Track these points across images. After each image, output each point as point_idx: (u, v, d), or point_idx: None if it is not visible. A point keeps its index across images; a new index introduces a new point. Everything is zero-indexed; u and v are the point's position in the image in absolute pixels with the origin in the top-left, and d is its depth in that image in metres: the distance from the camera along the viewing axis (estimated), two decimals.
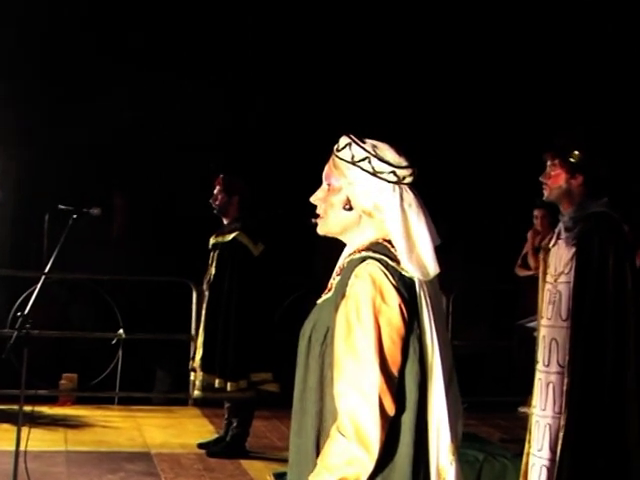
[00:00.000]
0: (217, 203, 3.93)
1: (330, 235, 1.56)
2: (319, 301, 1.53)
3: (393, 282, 1.43)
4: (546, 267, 2.46)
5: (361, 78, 5.00)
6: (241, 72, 4.91)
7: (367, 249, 1.49)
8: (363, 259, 1.47)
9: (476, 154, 5.59)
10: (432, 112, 5.40)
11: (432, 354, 1.45)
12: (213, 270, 3.91)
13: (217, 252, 3.91)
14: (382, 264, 1.45)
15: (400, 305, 1.42)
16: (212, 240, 3.98)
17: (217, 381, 3.77)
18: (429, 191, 1.56)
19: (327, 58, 5.00)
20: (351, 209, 1.52)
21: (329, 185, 1.55)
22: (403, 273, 1.46)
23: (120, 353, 4.83)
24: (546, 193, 2.44)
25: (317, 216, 1.57)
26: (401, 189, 1.50)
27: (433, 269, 1.48)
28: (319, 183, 1.57)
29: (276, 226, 4.87)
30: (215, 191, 3.95)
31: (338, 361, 1.41)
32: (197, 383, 3.85)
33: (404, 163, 1.51)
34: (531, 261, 4.90)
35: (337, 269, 1.54)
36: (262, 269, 3.88)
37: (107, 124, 4.70)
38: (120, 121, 4.78)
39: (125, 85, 4.75)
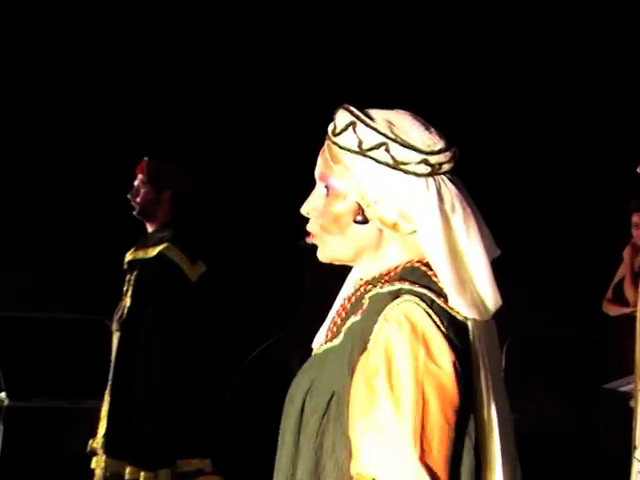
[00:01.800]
0: (138, 200, 3.65)
1: (337, 262, 1.48)
2: (318, 350, 1.44)
3: (443, 329, 1.35)
4: None
5: (366, 79, 5.30)
6: (241, 72, 5.32)
7: (401, 278, 1.41)
8: (396, 294, 1.38)
9: (536, 139, 5.49)
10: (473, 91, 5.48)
11: (490, 435, 1.37)
12: (128, 301, 3.64)
13: (135, 274, 3.64)
14: (426, 302, 1.37)
15: (454, 364, 1.33)
16: (128, 256, 3.74)
17: (127, 469, 3.52)
18: (475, 196, 1.44)
19: (330, 55, 5.29)
20: (366, 221, 1.43)
21: (328, 188, 1.46)
22: (453, 314, 1.38)
23: (1, 427, 4.61)
24: None
25: (307, 234, 1.48)
26: (437, 183, 1.40)
27: (494, 302, 1.41)
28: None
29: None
30: (136, 182, 3.67)
31: (357, 448, 1.31)
32: (98, 472, 3.60)
33: (439, 144, 1.42)
34: (629, 292, 4.47)
35: (343, 303, 1.47)
36: (203, 300, 3.65)
37: None
38: None
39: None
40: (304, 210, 1.49)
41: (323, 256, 1.49)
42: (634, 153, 2.33)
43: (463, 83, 5.46)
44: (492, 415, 1.38)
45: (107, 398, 3.63)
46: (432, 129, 1.44)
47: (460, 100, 5.30)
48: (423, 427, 1.29)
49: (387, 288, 1.40)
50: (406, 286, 1.38)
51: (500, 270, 1.46)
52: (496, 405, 1.39)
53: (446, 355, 1.33)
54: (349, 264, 1.51)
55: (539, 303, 5.16)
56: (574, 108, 5.49)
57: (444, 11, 5.43)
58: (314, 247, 1.49)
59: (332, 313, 1.51)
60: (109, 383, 3.66)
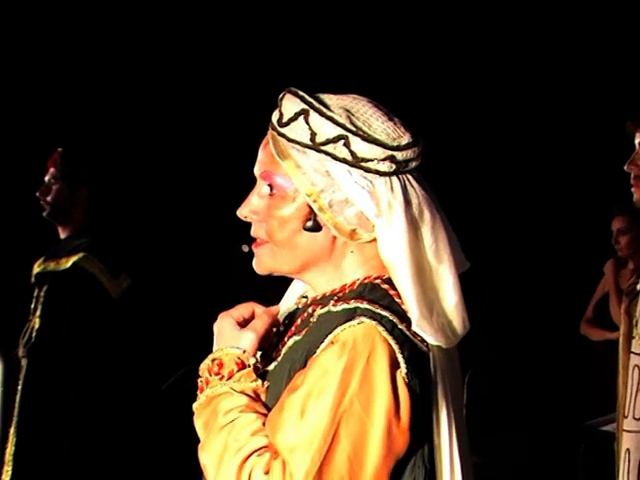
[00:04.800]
0: (49, 199, 3.68)
1: (278, 274, 1.51)
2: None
3: (405, 367, 1.37)
4: (631, 326, 2.40)
5: (367, 76, 5.59)
6: (242, 72, 5.62)
7: (357, 297, 1.43)
8: (350, 314, 1.40)
9: (510, 135, 5.67)
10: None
11: (453, 474, 1.43)
12: (37, 322, 3.64)
13: (44, 289, 3.64)
14: (385, 326, 1.39)
15: (392, 414, 1.36)
16: (37, 267, 3.75)
17: None
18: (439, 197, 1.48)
19: (330, 57, 5.61)
20: (318, 228, 1.45)
21: (272, 187, 1.47)
22: (415, 342, 1.41)
23: None
24: (638, 194, 2.33)
25: (253, 240, 1.49)
26: (403, 183, 1.43)
27: (462, 326, 1.46)
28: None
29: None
30: (47, 178, 3.70)
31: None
32: None
33: (405, 137, 1.44)
34: (615, 314, 4.57)
35: (285, 323, 1.52)
36: (126, 320, 3.68)
37: None
38: None
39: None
40: (241, 213, 1.51)
41: (262, 267, 1.51)
42: (618, 154, 2.45)
43: (434, 69, 5.61)
44: (454, 453, 1.45)
45: (12, 437, 3.64)
46: (396, 119, 1.47)
47: (425, 88, 5.47)
48: (321, 468, 1.36)
49: (341, 307, 1.43)
50: (364, 305, 1.41)
51: (468, 288, 1.50)
52: (459, 442, 1.46)
53: (384, 401, 1.37)
54: (293, 277, 1.54)
55: (508, 325, 5.33)
56: (547, 108, 5.67)
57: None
58: (251, 255, 1.51)
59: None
60: (14, 420, 3.66)
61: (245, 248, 1.33)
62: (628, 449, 2.34)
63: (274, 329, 1.54)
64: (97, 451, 3.60)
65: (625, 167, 2.37)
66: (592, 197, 5.16)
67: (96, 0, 5.39)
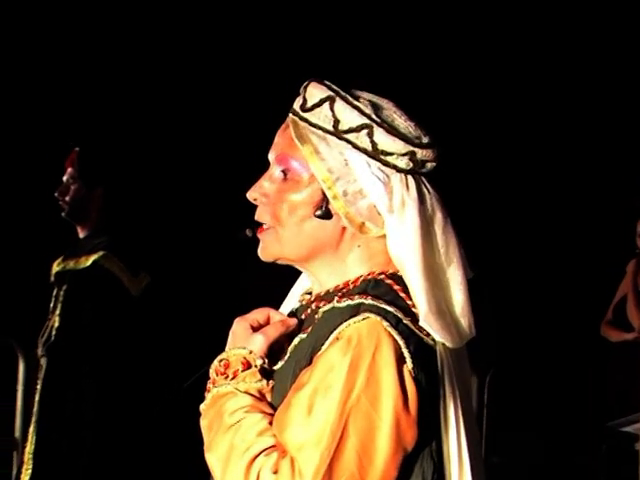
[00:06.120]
0: (67, 198, 3.67)
1: (283, 261, 1.50)
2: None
3: (410, 361, 1.37)
4: None
5: (376, 81, 5.77)
6: (242, 74, 5.66)
7: (361, 292, 1.42)
8: (355, 310, 1.40)
9: (517, 138, 5.69)
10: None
11: (461, 469, 1.42)
12: (56, 321, 3.63)
13: (64, 288, 3.63)
14: (390, 321, 1.38)
15: (399, 409, 1.35)
16: (56, 267, 3.74)
17: None
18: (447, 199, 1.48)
19: (331, 58, 5.60)
20: (328, 216, 1.44)
21: (285, 172, 1.46)
22: (421, 336, 1.41)
23: None
24: None
25: (258, 225, 1.48)
26: (418, 183, 1.43)
27: (467, 331, 1.45)
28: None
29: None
30: (65, 177, 3.70)
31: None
32: None
33: (425, 138, 1.45)
34: (632, 315, 4.59)
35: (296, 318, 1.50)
36: (147, 318, 3.67)
37: None
38: None
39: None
40: (251, 195, 1.50)
41: (267, 253, 1.50)
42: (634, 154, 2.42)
43: (440, 75, 5.59)
44: (463, 446, 1.44)
45: (31, 436, 3.62)
46: (417, 123, 1.48)
47: (433, 94, 5.45)
48: (330, 465, 1.35)
49: (345, 303, 1.43)
50: (368, 301, 1.41)
51: (473, 289, 1.50)
52: (468, 438, 1.45)
53: (391, 396, 1.36)
54: (297, 266, 1.53)
55: (526, 326, 5.32)
56: (560, 110, 5.68)
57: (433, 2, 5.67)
58: (255, 240, 1.50)
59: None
60: (34, 419, 3.66)
61: (249, 232, 1.31)
62: None
63: (287, 341, 1.53)
64: (116, 450, 3.57)
65: None
66: (609, 197, 5.14)
67: None
